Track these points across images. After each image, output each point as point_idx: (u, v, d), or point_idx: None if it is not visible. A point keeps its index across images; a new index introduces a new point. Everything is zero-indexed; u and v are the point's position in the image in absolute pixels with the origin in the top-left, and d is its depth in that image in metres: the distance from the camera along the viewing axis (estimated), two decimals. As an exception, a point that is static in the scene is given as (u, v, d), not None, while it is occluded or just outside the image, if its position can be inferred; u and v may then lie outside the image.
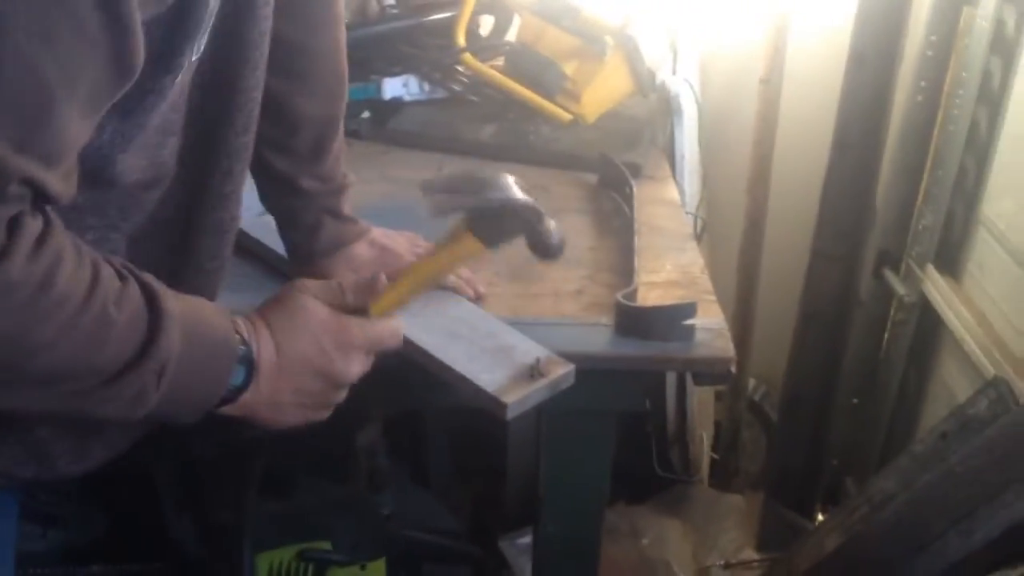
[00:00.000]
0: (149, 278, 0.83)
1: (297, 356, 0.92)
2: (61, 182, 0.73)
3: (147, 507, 1.48)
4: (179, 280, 0.94)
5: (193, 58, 0.83)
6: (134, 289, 0.80)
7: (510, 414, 1.04)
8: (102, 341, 0.77)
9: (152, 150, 0.87)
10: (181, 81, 0.84)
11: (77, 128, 0.72)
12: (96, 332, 0.77)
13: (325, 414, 0.96)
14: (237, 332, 0.88)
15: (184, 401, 0.85)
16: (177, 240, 0.96)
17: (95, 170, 0.81)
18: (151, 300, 0.81)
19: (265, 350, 0.90)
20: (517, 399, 1.04)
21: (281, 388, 0.91)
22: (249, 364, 0.88)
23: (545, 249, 1.04)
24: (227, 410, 0.89)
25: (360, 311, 0.97)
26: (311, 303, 0.94)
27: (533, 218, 1.02)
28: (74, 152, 0.74)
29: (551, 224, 1.04)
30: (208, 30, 0.83)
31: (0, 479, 0.92)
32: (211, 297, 1.01)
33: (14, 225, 0.71)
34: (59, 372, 0.77)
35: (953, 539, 1.10)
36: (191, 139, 0.92)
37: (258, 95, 0.96)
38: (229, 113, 0.94)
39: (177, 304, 0.83)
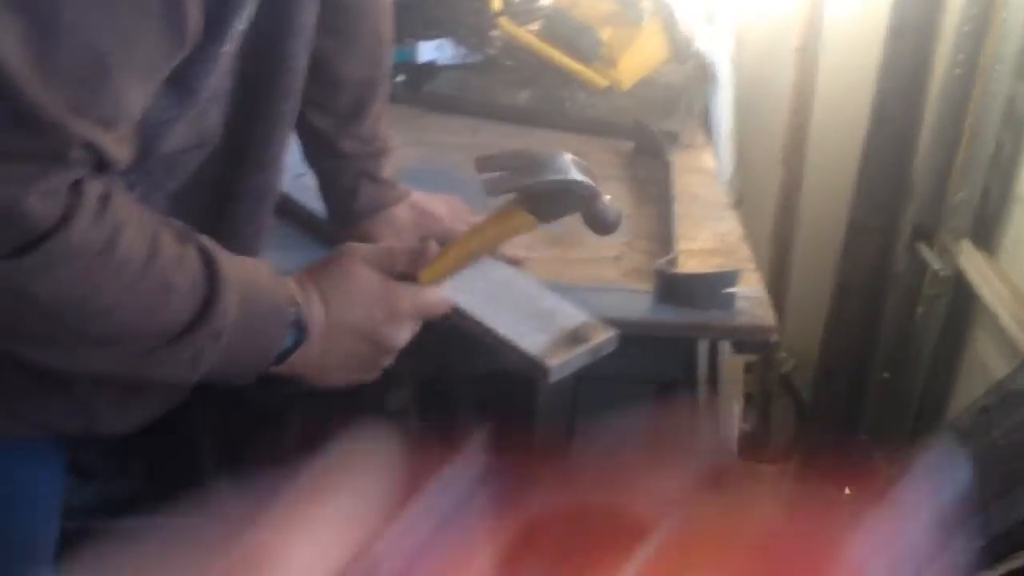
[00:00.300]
0: (207, 242, 0.84)
1: (346, 320, 0.93)
2: (118, 146, 0.74)
3: (186, 462, 1.49)
4: (217, 243, 0.94)
5: (241, 27, 0.83)
6: (193, 253, 0.81)
7: (552, 378, 1.04)
8: (162, 305, 0.79)
9: (199, 118, 0.87)
10: (228, 50, 0.84)
11: (135, 94, 0.73)
12: (156, 296, 0.78)
13: (372, 376, 0.98)
14: (290, 295, 0.89)
15: (238, 364, 0.86)
16: (216, 203, 0.96)
17: (144, 138, 0.82)
18: (209, 265, 0.82)
19: (316, 313, 0.91)
20: (559, 363, 1.04)
21: (329, 351, 0.92)
22: (300, 328, 0.89)
23: (601, 225, 1.06)
24: (274, 369, 0.90)
25: (409, 277, 0.99)
26: (362, 268, 0.95)
27: (589, 197, 1.04)
28: (132, 118, 0.75)
29: (606, 201, 1.05)
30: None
31: (49, 431, 0.93)
32: None
33: (76, 189, 0.72)
34: (119, 335, 0.79)
35: (996, 512, 1.10)
36: (234, 105, 0.92)
37: (302, 62, 0.96)
38: (272, 79, 0.94)
39: (234, 269, 0.84)
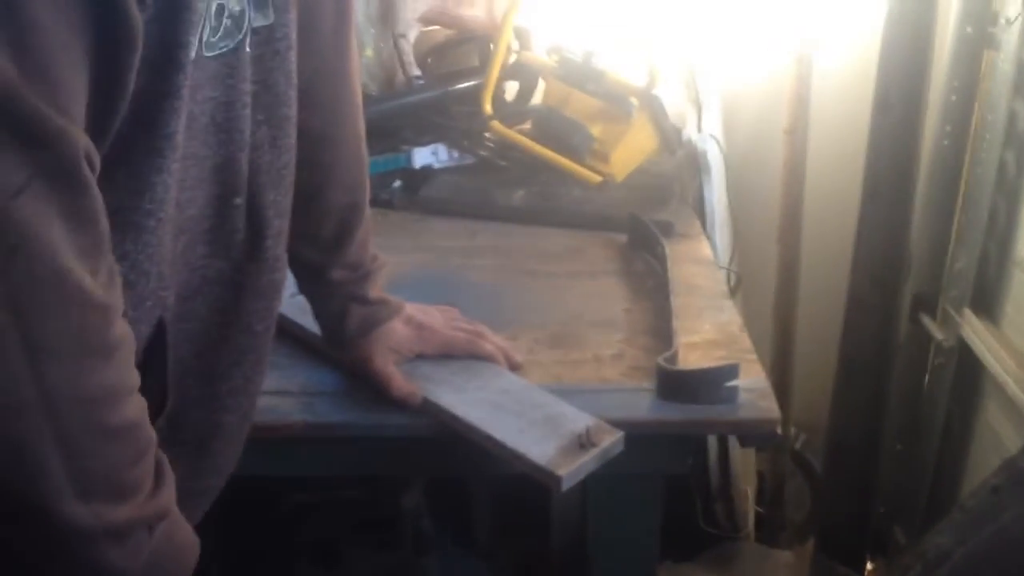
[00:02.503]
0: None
1: None
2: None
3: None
4: (227, 341, 0.95)
5: (206, 53, 0.81)
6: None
7: (564, 486, 1.05)
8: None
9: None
10: (204, 89, 0.82)
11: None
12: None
13: None
14: None
15: None
16: (227, 301, 0.95)
17: (138, 199, 0.79)
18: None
19: None
20: (570, 471, 1.05)
21: None
22: None
23: None
24: None
25: None
26: None
27: None
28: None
29: None
30: (224, 25, 0.82)
31: None
32: (260, 360, 1.01)
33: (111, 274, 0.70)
34: None
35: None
36: (247, 201, 0.92)
37: (295, 155, 0.98)
38: (277, 171, 0.95)
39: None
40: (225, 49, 0.83)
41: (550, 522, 1.94)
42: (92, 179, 0.68)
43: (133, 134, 0.76)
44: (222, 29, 0.82)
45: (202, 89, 0.82)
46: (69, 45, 0.65)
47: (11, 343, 0.65)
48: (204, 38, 0.79)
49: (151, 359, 0.84)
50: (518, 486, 1.90)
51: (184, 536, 0.80)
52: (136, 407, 0.74)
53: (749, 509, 1.96)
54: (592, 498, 1.30)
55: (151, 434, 0.76)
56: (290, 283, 1.22)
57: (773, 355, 2.01)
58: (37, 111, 0.63)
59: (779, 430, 1.18)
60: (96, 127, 0.70)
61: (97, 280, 0.69)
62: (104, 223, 0.70)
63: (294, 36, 0.94)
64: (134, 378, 0.74)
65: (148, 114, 0.76)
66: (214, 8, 0.80)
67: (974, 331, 1.76)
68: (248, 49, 0.86)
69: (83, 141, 0.66)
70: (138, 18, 0.68)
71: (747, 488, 1.96)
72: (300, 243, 1.16)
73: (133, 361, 0.75)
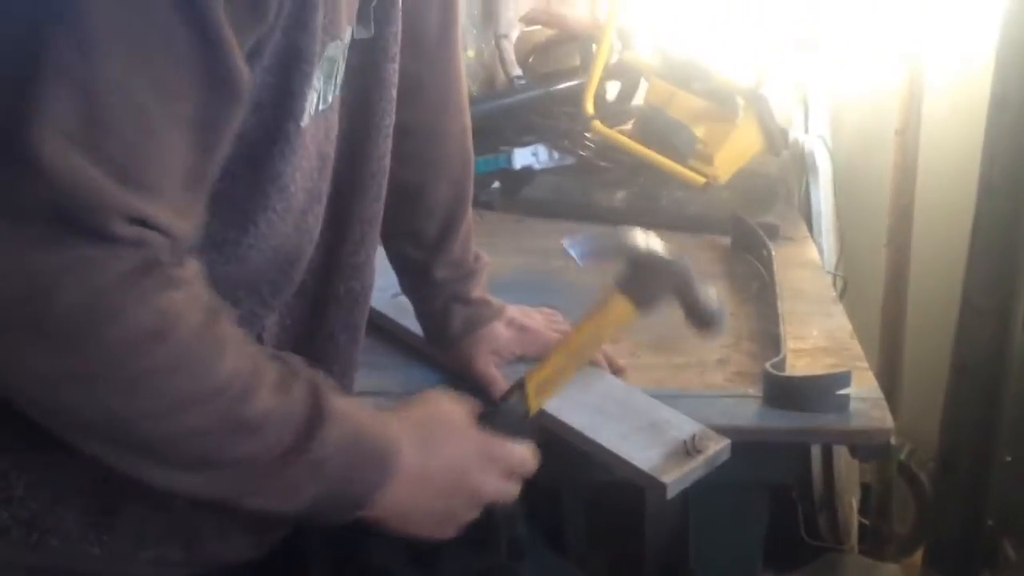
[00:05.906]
0: (315, 376, 0.82)
1: (439, 465, 0.88)
2: (176, 217, 0.70)
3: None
4: (309, 350, 0.94)
5: (320, 107, 0.83)
6: (299, 385, 0.80)
7: (670, 493, 1.02)
8: (254, 434, 0.76)
9: (298, 215, 0.86)
10: (315, 135, 0.84)
11: (188, 159, 0.70)
12: (250, 426, 0.76)
13: (453, 531, 0.92)
14: (394, 436, 0.86)
15: (335, 500, 0.82)
16: (308, 310, 0.96)
17: (240, 233, 0.81)
18: (315, 395, 0.80)
19: (408, 458, 0.86)
20: (675, 478, 1.02)
21: (417, 495, 0.87)
22: (393, 468, 0.85)
23: (704, 315, 1.02)
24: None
25: (518, 386, 0.98)
26: (459, 415, 0.92)
27: (685, 278, 1.01)
28: (190, 189, 0.72)
29: (707, 289, 1.02)
30: (335, 77, 0.84)
31: (151, 567, 0.89)
32: (345, 370, 1.01)
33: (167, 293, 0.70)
34: (212, 457, 0.76)
35: None
36: (329, 207, 0.93)
37: (387, 163, 0.98)
38: (361, 179, 0.96)
39: (340, 403, 0.82)
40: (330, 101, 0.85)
41: (643, 528, 1.91)
42: (130, 243, 0.68)
43: (243, 173, 0.78)
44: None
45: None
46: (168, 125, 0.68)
47: None
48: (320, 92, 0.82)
49: None
50: (612, 491, 1.88)
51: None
52: None
53: (853, 520, 1.91)
54: (695, 507, 1.28)
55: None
56: (392, 284, 1.22)
57: (880, 363, 1.95)
58: (136, 212, 0.67)
59: (892, 441, 1.14)
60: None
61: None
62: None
63: (395, 49, 0.95)
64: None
65: (258, 158, 0.79)
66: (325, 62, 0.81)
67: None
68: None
69: (122, 204, 0.66)
70: (242, 71, 0.70)
71: (851, 498, 1.91)
72: (403, 242, 1.16)
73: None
